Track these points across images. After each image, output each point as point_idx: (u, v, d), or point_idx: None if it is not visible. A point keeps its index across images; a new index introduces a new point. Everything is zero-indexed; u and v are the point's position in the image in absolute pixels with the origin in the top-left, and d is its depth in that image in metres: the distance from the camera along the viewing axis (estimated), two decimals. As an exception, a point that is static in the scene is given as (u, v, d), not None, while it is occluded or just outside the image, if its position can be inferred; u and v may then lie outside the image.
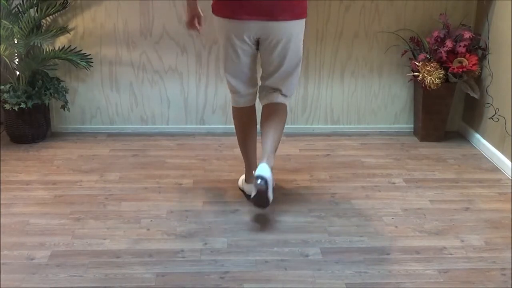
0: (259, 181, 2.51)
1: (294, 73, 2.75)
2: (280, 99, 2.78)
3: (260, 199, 2.55)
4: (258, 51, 2.72)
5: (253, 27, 2.58)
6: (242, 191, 2.98)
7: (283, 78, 2.74)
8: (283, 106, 2.79)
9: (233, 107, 2.88)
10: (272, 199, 2.59)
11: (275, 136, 2.71)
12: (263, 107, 2.82)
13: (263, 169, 2.53)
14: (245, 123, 2.86)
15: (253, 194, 2.57)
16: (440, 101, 3.63)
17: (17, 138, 3.56)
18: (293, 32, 2.63)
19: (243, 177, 2.99)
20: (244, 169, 2.94)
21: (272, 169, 2.59)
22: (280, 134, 2.76)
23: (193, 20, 2.80)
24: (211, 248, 2.48)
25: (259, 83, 2.84)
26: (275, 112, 2.76)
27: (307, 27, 2.72)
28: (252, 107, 2.86)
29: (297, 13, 2.62)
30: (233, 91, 2.80)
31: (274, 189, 2.72)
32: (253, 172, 2.61)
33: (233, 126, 2.91)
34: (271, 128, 2.71)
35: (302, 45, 2.72)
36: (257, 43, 2.66)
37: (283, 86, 2.76)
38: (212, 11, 2.66)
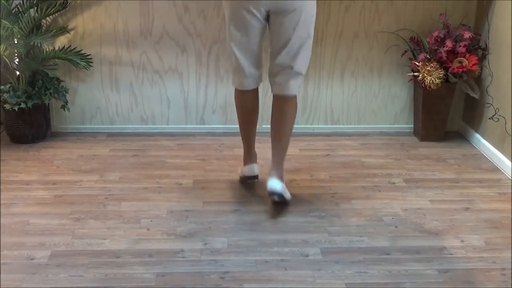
0: (273, 197, 2.74)
1: (304, 47, 2.67)
2: (291, 87, 2.71)
3: (279, 203, 2.81)
4: (266, 26, 2.68)
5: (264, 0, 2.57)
6: (243, 178, 2.99)
7: (293, 54, 2.66)
8: (293, 101, 2.75)
9: (235, 89, 2.84)
10: (290, 197, 2.81)
11: (283, 141, 2.76)
12: (274, 98, 2.77)
13: (273, 184, 2.70)
14: (247, 108, 2.85)
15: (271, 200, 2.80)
16: (440, 101, 3.63)
17: (17, 138, 3.55)
18: (303, 4, 2.59)
19: (241, 167, 3.01)
20: (243, 156, 2.99)
21: (283, 173, 2.78)
22: (289, 134, 2.81)
23: None
24: (211, 248, 2.48)
25: (268, 63, 2.78)
26: (284, 111, 2.75)
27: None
28: (255, 92, 2.82)
29: None
30: (237, 69, 2.74)
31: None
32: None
33: (233, 126, 2.92)
34: (280, 131, 2.76)
35: (313, 22, 2.68)
36: (267, 17, 2.64)
37: (294, 62, 2.68)
38: None
